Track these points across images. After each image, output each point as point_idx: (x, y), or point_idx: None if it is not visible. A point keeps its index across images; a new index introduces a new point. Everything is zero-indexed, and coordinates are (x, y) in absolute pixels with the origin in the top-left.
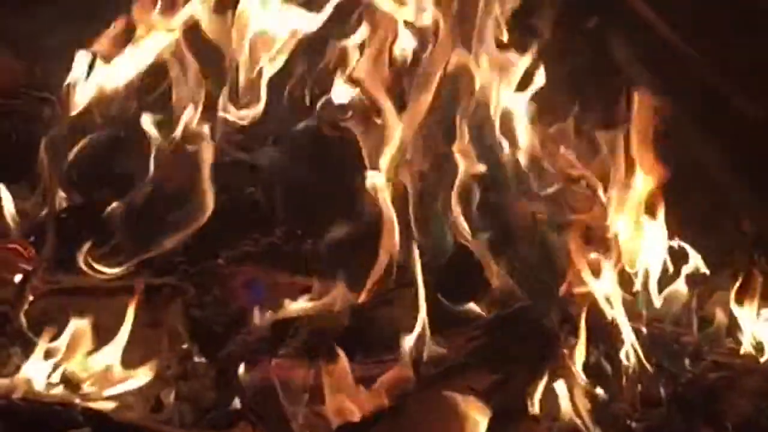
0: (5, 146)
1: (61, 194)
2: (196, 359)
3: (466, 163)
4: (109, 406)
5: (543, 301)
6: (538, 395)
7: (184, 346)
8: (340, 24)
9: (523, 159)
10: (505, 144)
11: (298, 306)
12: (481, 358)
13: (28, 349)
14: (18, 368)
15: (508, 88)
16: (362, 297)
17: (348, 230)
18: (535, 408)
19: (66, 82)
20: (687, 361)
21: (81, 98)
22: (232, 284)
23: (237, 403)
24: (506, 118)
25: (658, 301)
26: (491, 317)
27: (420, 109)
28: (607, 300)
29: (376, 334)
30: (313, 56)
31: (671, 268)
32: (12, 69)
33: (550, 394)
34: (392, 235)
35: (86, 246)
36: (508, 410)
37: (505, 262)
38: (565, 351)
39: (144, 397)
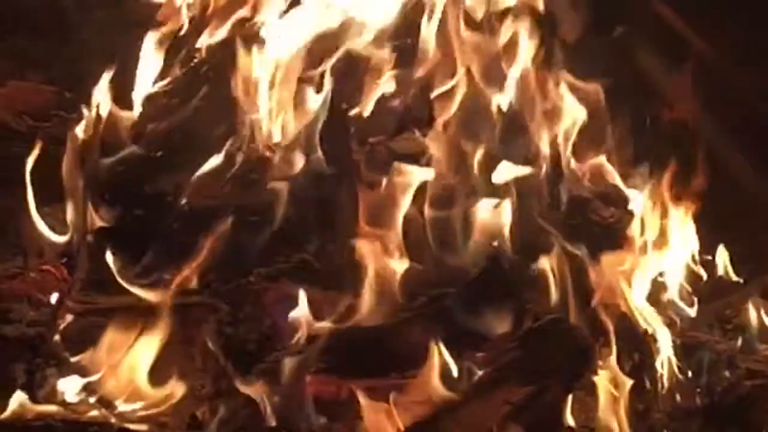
0: (38, 168)
1: (93, 215)
2: (231, 377)
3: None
4: (145, 425)
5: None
6: (572, 407)
7: (218, 364)
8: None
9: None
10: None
11: (330, 322)
12: (516, 370)
13: (64, 370)
14: (55, 389)
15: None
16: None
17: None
18: (570, 420)
19: (95, 103)
20: (722, 370)
21: (110, 118)
22: (264, 301)
23: (271, 420)
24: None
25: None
26: (525, 330)
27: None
28: (641, 310)
29: (408, 349)
30: (347, 73)
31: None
32: (42, 91)
33: (585, 406)
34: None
35: (119, 266)
36: (543, 423)
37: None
38: (600, 362)
39: (179, 415)
